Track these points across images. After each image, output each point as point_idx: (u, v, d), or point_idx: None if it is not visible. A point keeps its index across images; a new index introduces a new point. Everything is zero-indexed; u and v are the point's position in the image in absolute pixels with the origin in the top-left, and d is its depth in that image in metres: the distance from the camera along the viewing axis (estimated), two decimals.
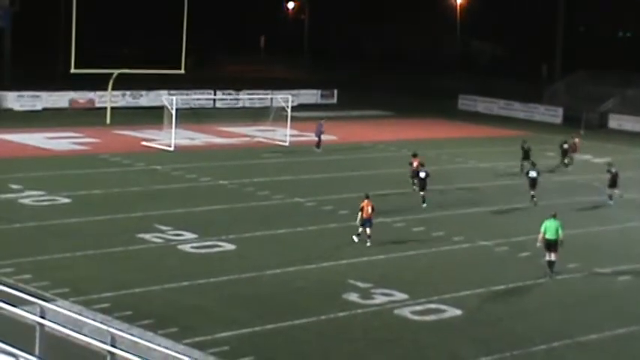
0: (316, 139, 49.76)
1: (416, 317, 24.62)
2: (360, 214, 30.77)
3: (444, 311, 25.11)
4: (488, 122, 67.04)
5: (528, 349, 22.86)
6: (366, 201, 30.81)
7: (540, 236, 28.74)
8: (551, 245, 28.55)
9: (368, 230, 30.72)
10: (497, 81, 79.14)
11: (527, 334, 23.84)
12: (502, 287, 27.67)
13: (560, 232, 28.48)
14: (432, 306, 25.44)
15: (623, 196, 40.24)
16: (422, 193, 37.50)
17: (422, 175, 37.86)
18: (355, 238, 30.94)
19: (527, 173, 39.99)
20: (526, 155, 45.75)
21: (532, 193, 38.97)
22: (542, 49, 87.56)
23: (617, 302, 27.14)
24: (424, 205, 37.13)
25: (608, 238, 34.61)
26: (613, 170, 40.23)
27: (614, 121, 68.85)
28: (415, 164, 39.43)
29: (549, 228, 28.55)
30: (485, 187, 42.58)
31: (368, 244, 30.67)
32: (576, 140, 49.73)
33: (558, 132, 58.39)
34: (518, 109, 72.77)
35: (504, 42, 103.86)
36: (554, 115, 70.80)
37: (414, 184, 39.38)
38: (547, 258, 28.69)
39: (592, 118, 67.38)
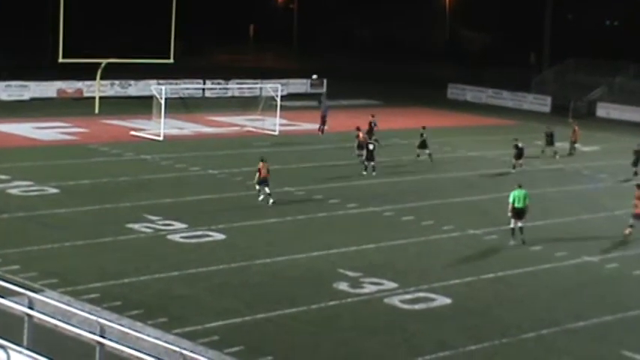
0: (323, 125, 50.66)
1: (405, 306, 24.66)
2: (257, 175, 33.93)
3: (433, 300, 25.16)
4: (477, 111, 67.08)
5: (517, 336, 22.95)
6: (261, 163, 33.95)
7: (510, 207, 30.80)
8: (519, 213, 30.77)
9: (267, 189, 33.82)
10: (486, 70, 79.02)
11: (516, 321, 23.92)
12: (491, 275, 27.74)
13: (526, 200, 30.76)
14: (422, 295, 25.48)
15: (523, 165, 43.42)
16: (372, 163, 40.54)
17: (370, 147, 40.72)
18: (260, 198, 33.94)
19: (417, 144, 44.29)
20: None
21: (428, 151, 43.99)
22: (531, 38, 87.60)
23: (605, 289, 27.26)
24: (371, 173, 40.23)
25: (597, 226, 34.70)
26: (520, 145, 43.63)
27: (602, 110, 68.87)
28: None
29: (518, 197, 30.75)
30: (474, 175, 42.63)
31: (270, 202, 33.64)
32: (575, 128, 50.44)
33: (547, 120, 58.44)
34: (507, 98, 72.74)
35: (493, 31, 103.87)
36: (542, 103, 70.82)
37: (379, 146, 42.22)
38: (512, 225, 30.81)
39: (580, 107, 67.48)
